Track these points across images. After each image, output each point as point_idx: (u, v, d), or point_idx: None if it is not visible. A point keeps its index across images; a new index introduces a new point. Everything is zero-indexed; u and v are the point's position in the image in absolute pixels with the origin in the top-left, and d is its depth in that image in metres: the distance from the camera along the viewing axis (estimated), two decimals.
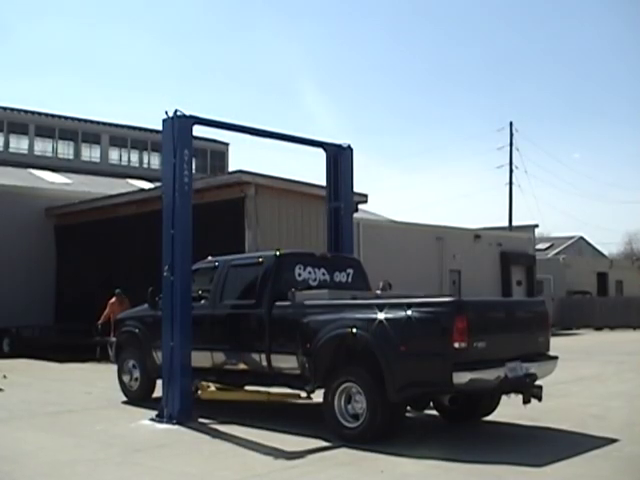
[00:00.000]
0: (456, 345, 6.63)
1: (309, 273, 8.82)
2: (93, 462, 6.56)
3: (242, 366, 8.61)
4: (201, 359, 8.85)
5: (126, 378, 10.26)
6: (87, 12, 79.60)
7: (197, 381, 9.03)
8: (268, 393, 8.92)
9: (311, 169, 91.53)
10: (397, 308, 7.14)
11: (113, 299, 16.65)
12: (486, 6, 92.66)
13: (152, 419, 8.49)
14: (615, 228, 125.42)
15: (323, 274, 8.97)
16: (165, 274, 8.63)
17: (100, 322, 16.66)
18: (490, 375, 6.92)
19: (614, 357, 17.52)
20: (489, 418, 8.52)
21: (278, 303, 8.22)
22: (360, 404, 7.20)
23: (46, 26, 79.20)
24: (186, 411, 8.40)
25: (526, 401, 7.35)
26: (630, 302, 33.65)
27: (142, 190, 22.53)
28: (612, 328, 32.04)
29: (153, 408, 8.83)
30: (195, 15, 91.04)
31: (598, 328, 32.54)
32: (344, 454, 6.75)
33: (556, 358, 8.04)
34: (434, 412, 9.13)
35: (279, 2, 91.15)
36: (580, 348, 20.79)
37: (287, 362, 8.01)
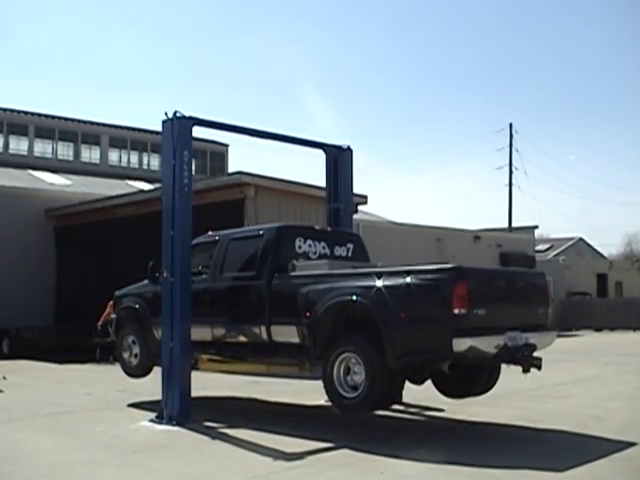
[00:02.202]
0: (456, 311, 6.62)
1: (309, 246, 8.82)
2: (93, 463, 6.55)
3: (242, 338, 8.58)
4: (201, 332, 8.83)
5: (125, 354, 10.20)
6: (87, 13, 79.69)
7: (196, 353, 9.02)
8: (267, 364, 8.91)
9: (311, 170, 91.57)
10: (397, 275, 7.14)
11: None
12: (485, 7, 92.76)
13: (152, 420, 8.48)
14: (615, 229, 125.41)
15: (323, 247, 8.98)
16: (165, 275, 8.63)
17: (100, 323, 16.63)
18: (490, 343, 6.90)
19: (614, 358, 17.51)
20: (489, 419, 8.53)
21: (278, 274, 8.22)
22: (359, 375, 7.19)
23: (46, 27, 79.31)
24: (186, 412, 8.40)
25: (525, 371, 7.34)
26: (630, 303, 33.64)
27: (142, 191, 22.53)
28: (612, 329, 32.04)
29: (153, 409, 8.82)
30: (195, 16, 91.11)
31: (598, 329, 32.53)
32: (344, 455, 6.74)
33: (555, 330, 8.01)
34: (434, 413, 9.14)
35: (279, 4, 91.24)
36: (580, 349, 20.79)
37: (287, 333, 7.97)
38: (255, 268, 8.50)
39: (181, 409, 8.36)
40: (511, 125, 43.69)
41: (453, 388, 8.38)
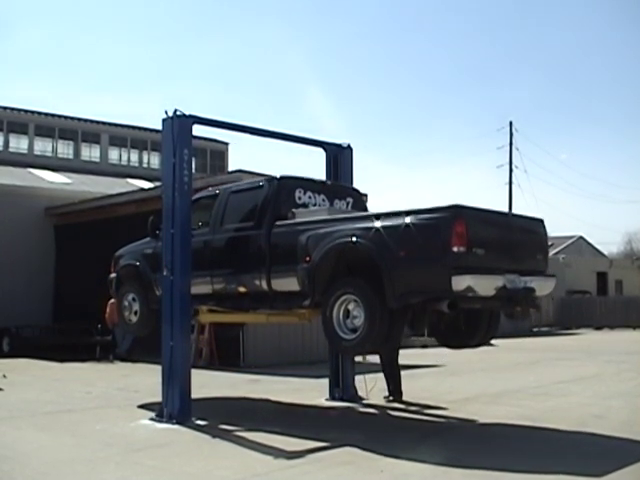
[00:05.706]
0: (455, 249, 6.58)
1: (309, 198, 8.82)
2: (93, 461, 6.53)
3: (242, 289, 8.56)
4: (201, 285, 8.82)
5: (126, 312, 10.16)
6: (87, 12, 79.66)
7: (196, 305, 9.02)
8: (267, 314, 8.94)
9: (311, 169, 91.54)
10: (396, 216, 7.12)
11: (113, 300, 16.58)
12: (485, 6, 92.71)
13: (152, 419, 8.47)
14: (615, 228, 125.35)
15: (323, 200, 8.97)
16: (165, 274, 8.62)
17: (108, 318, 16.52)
18: (489, 283, 6.84)
19: (614, 357, 17.51)
20: (489, 419, 8.52)
21: (278, 222, 8.21)
22: (359, 318, 7.19)
23: (46, 27, 79.26)
24: (186, 411, 8.39)
25: (525, 313, 7.30)
26: (630, 302, 33.68)
27: (142, 190, 22.52)
28: (612, 328, 32.06)
29: (153, 408, 8.82)
30: (196, 15, 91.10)
31: (598, 328, 32.55)
32: (344, 454, 6.72)
33: (554, 276, 8.02)
34: (435, 411, 9.14)
35: (281, 3, 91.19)
36: (580, 348, 20.78)
37: (287, 281, 7.93)
38: (255, 219, 8.49)
39: (181, 407, 8.35)
40: (511, 123, 43.78)
41: (452, 338, 8.37)
